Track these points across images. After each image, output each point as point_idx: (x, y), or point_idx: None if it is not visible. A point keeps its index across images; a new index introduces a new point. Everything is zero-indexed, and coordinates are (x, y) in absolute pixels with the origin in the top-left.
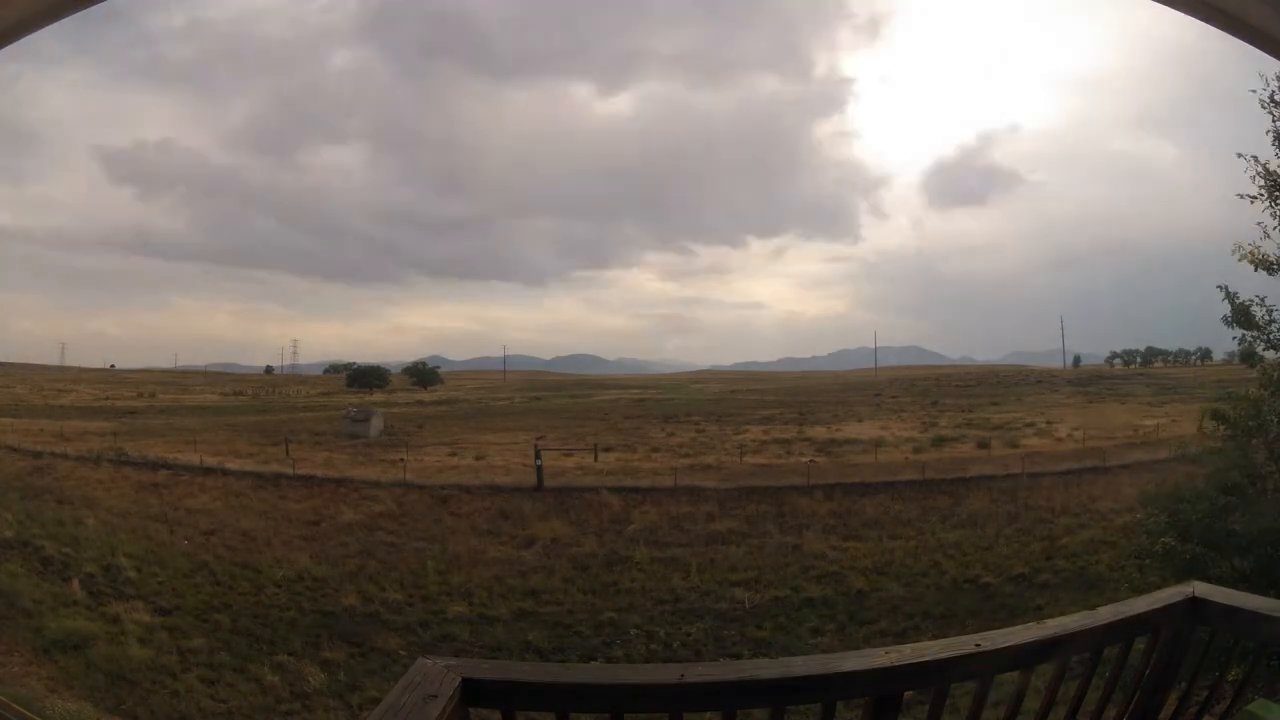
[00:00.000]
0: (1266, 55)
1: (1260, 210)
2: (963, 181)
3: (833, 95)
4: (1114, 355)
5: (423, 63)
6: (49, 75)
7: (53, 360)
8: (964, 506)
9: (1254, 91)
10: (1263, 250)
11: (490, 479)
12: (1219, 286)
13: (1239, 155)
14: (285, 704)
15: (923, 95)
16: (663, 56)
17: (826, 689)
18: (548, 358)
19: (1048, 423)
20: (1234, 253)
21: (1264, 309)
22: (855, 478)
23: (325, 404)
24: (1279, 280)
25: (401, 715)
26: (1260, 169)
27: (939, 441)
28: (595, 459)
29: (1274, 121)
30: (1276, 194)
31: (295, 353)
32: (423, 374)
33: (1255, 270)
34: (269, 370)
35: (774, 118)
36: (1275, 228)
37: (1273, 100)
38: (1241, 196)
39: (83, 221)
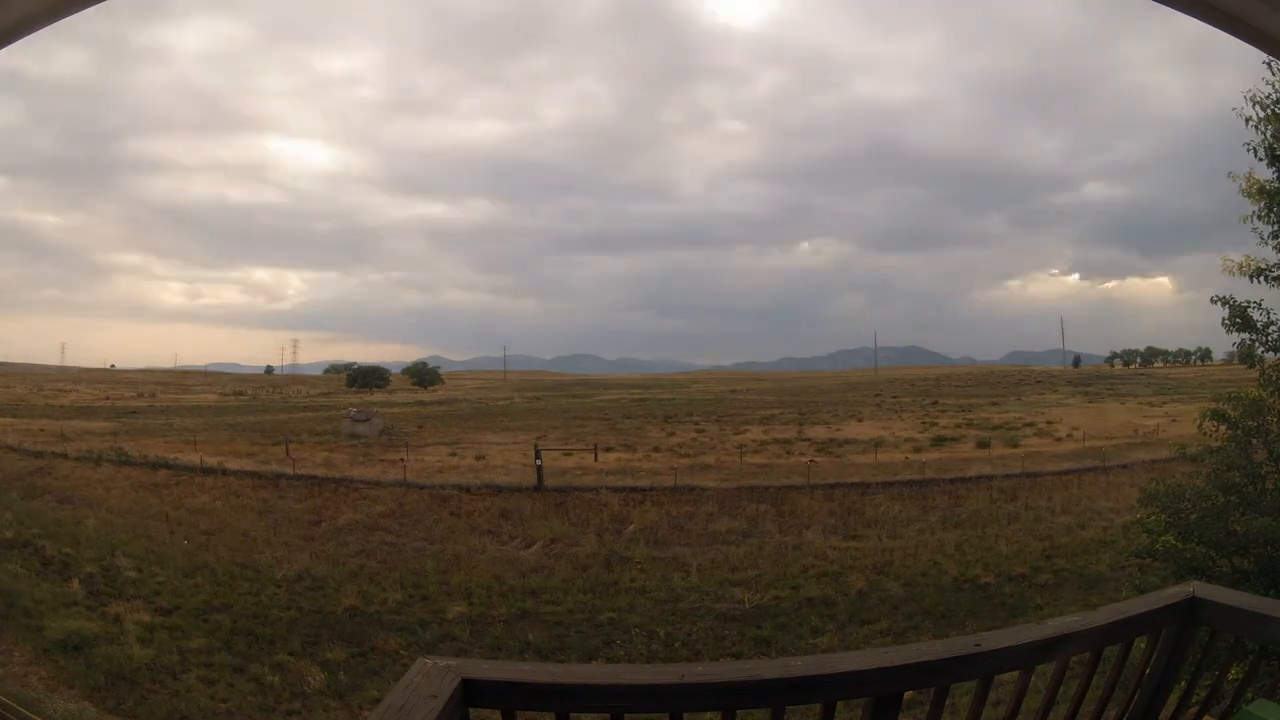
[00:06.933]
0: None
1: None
2: None
3: None
4: (1114, 355)
5: None
6: None
7: (53, 360)
8: (964, 506)
9: (1235, 110)
10: (1254, 260)
11: (490, 479)
12: (1214, 298)
13: (1229, 176)
14: (285, 704)
15: None
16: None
17: (827, 689)
18: (548, 357)
19: (1048, 423)
20: (1224, 269)
21: (1262, 312)
22: (855, 477)
23: (325, 404)
24: (1274, 287)
25: (401, 715)
26: (1252, 183)
27: (939, 441)
28: (595, 459)
29: (1264, 136)
30: (1267, 205)
31: (295, 353)
32: (423, 374)
33: (1251, 281)
34: (269, 370)
35: None
36: (1270, 236)
37: (1260, 115)
38: (1242, 220)
39: None
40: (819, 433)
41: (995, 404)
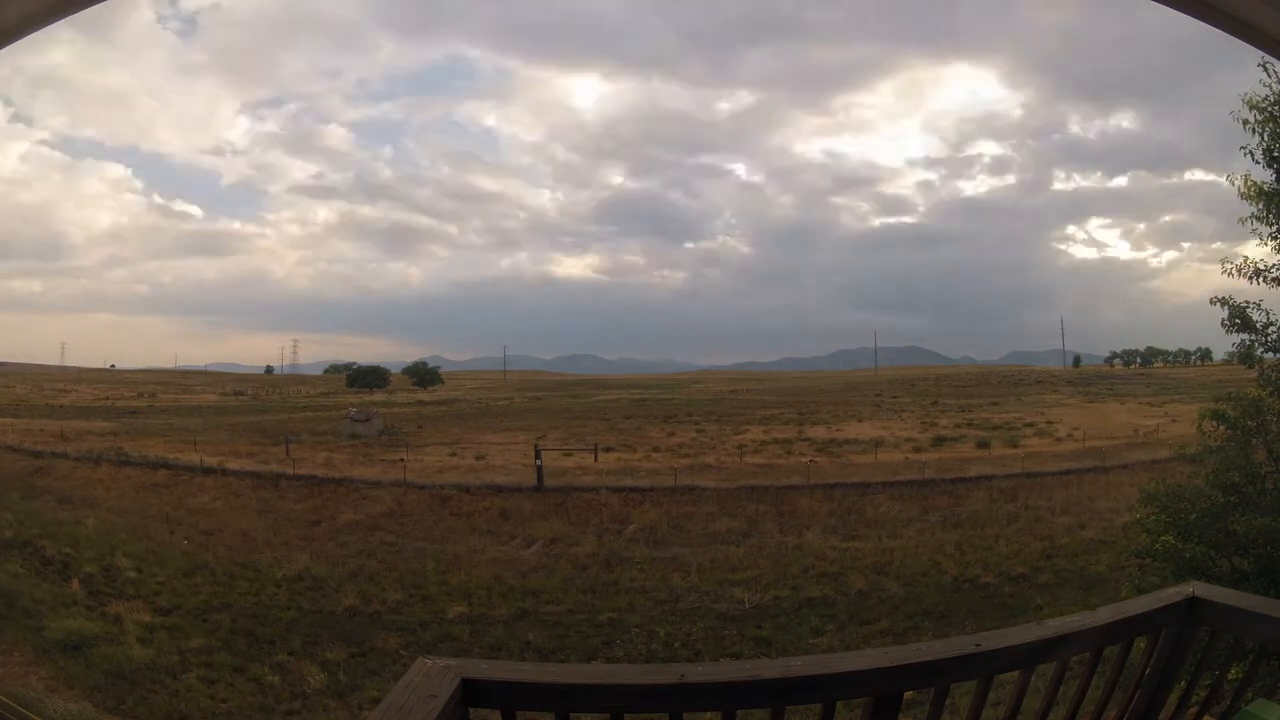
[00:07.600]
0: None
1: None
2: None
3: None
4: (1114, 355)
5: None
6: None
7: (53, 360)
8: (964, 506)
9: (1233, 113)
10: (1253, 261)
11: (490, 479)
12: (1214, 299)
13: (1227, 179)
14: (285, 704)
15: None
16: None
17: (827, 689)
18: (548, 357)
19: (1048, 423)
20: (1224, 270)
21: (1261, 312)
22: (855, 478)
23: (326, 404)
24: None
25: (401, 715)
26: (1251, 186)
27: (939, 441)
28: (595, 459)
29: (1262, 138)
30: (1266, 207)
31: (295, 353)
32: (423, 374)
33: (1250, 281)
34: (269, 370)
35: None
36: (1269, 237)
37: (1257, 119)
38: (1242, 221)
39: None
40: (819, 433)
41: (995, 404)
